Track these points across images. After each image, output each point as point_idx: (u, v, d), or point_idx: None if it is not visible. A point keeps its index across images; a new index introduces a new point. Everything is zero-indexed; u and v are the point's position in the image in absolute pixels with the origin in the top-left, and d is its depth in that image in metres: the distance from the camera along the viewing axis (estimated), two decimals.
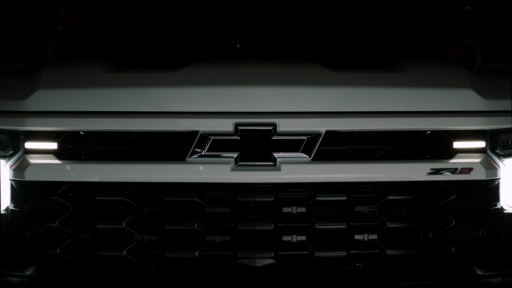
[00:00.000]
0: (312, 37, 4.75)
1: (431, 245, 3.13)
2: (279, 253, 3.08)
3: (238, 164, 3.06)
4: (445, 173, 3.09)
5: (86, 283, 3.09)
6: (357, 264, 3.08)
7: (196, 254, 3.06)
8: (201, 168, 3.05)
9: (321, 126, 3.07)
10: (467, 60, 7.62)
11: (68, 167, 3.08)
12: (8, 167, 3.13)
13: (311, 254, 3.08)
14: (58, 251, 3.13)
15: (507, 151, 3.17)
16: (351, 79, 3.21)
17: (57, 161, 3.11)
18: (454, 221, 3.12)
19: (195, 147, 3.06)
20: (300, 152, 3.07)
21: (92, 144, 3.13)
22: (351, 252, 3.09)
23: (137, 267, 3.08)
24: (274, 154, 3.07)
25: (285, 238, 3.08)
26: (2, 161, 3.13)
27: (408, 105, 3.12)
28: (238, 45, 4.51)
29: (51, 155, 3.13)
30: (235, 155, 3.06)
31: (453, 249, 3.13)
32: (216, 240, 3.07)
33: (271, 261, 3.08)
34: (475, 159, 3.13)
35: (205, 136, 3.06)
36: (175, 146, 3.09)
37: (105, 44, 4.68)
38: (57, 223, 3.11)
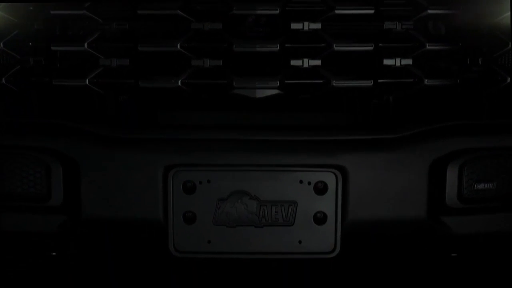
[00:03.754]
0: None
1: (481, 74, 2.60)
2: (286, 81, 2.53)
3: None
4: None
5: (37, 122, 2.54)
6: (386, 96, 2.59)
7: (179, 83, 2.53)
8: None
9: None
10: None
11: None
12: None
13: (327, 83, 2.53)
14: (3, 81, 2.61)
15: None
16: None
17: None
18: (510, 43, 2.57)
19: None
20: None
21: None
22: (379, 81, 2.55)
23: (103, 100, 2.60)
24: None
25: (294, 62, 2.53)
26: None
27: None
28: None
29: None
30: None
31: (509, 79, 2.60)
32: (204, 65, 2.52)
33: (275, 91, 2.54)
34: None
35: None
36: None
37: None
38: (2, 44, 2.57)
